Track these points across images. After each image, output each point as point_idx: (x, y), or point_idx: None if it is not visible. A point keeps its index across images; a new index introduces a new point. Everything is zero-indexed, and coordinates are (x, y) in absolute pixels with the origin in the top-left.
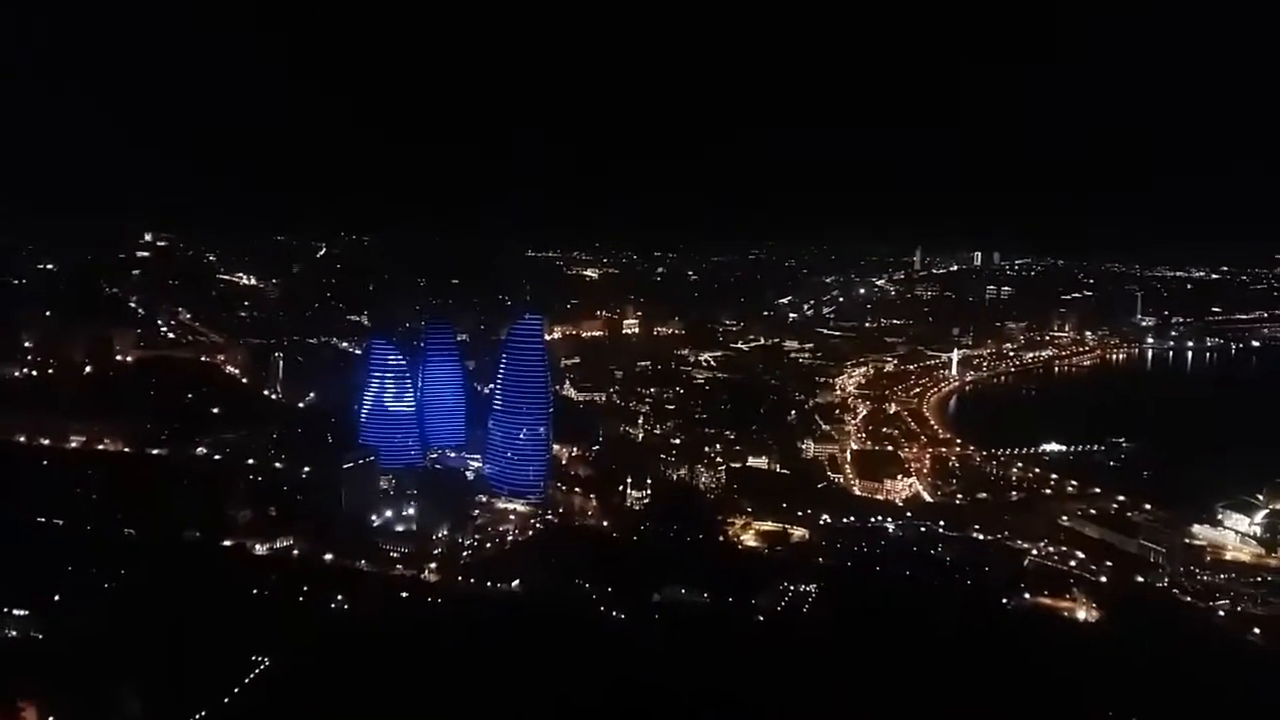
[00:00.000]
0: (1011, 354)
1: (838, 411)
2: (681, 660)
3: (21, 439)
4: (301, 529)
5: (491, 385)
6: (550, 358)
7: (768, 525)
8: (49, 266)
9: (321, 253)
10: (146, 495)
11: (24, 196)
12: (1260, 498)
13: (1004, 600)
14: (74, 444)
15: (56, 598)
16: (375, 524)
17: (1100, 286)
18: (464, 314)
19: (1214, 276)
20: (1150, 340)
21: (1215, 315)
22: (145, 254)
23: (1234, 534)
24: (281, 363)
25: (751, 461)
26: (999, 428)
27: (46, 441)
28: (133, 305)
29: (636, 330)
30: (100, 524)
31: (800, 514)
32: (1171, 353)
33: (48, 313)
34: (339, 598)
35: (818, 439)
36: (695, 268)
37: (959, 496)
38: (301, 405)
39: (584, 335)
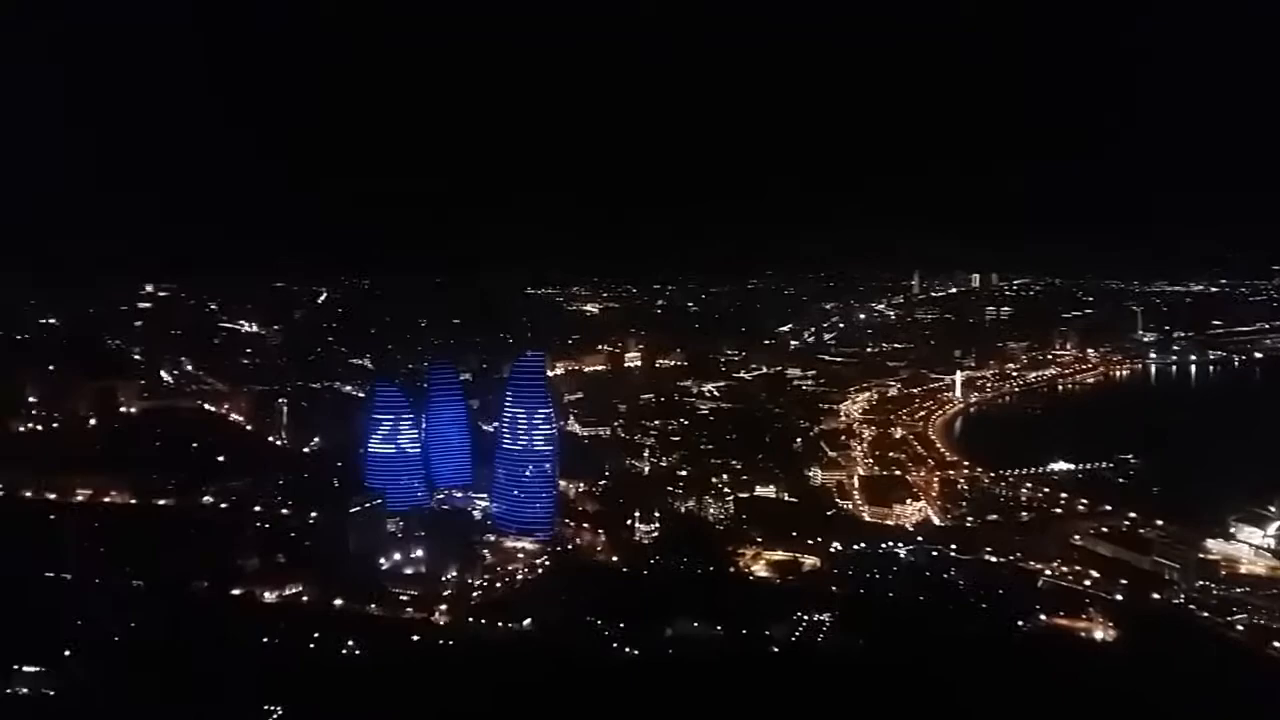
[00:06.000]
0: (1014, 374)
1: (843, 437)
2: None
3: (28, 494)
4: (310, 575)
5: (496, 423)
6: (553, 393)
7: (778, 554)
8: (51, 321)
9: (323, 298)
10: (154, 546)
11: (23, 251)
12: (1273, 509)
13: (1019, 622)
14: (80, 497)
15: (67, 652)
16: (384, 567)
17: (1100, 304)
18: (466, 354)
19: (1213, 290)
20: (1153, 355)
21: (1216, 328)
22: (146, 305)
23: (1248, 547)
24: (285, 409)
25: (759, 491)
26: (1006, 448)
27: (53, 496)
28: (136, 357)
29: (639, 363)
30: (109, 576)
31: (810, 542)
32: (1175, 368)
33: (50, 367)
34: (350, 643)
35: (824, 466)
36: (694, 299)
37: (969, 519)
38: (306, 450)
39: (586, 370)
